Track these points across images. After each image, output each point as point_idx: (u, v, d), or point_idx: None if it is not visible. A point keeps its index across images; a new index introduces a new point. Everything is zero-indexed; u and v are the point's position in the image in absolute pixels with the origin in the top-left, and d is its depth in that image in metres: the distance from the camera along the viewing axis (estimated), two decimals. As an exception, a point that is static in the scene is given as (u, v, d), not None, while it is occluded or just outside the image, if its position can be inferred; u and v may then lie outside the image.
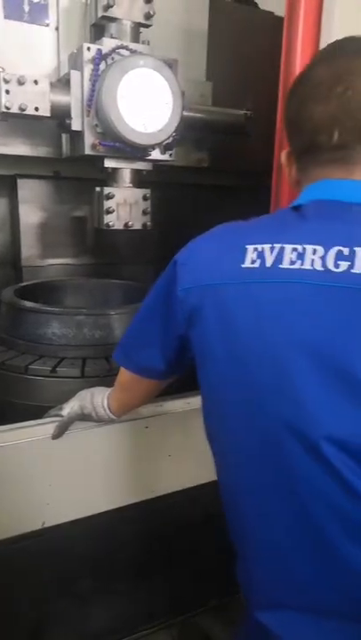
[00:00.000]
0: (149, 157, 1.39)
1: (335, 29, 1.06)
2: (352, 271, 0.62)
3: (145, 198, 1.46)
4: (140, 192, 1.45)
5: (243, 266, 0.68)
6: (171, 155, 1.44)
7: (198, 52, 1.66)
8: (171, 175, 1.64)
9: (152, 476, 1.17)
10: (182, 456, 1.17)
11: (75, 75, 1.27)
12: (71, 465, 1.08)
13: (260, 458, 0.70)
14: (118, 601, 1.29)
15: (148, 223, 1.48)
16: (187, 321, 0.75)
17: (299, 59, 1.09)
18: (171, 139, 1.36)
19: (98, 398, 1.02)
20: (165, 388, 1.00)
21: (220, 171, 1.78)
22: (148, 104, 1.29)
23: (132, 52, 1.30)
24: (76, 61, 1.31)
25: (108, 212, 1.41)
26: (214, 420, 0.78)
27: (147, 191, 1.46)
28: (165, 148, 1.40)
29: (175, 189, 1.74)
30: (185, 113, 1.40)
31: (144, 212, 1.47)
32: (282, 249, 0.67)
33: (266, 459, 0.69)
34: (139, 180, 1.46)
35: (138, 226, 1.47)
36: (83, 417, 1.03)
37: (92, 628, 1.30)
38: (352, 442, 0.62)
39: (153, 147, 1.36)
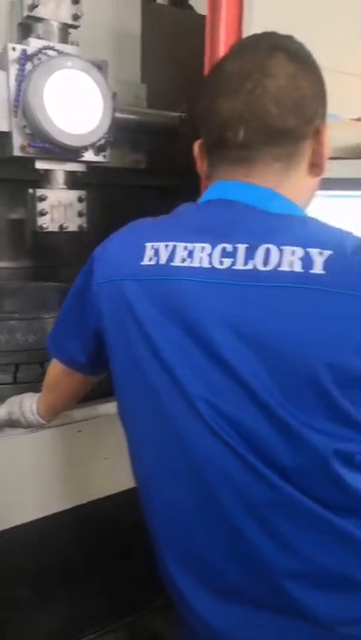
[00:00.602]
0: (82, 159, 1.38)
1: (254, 25, 1.09)
2: (234, 268, 0.65)
3: (80, 200, 1.45)
4: (74, 194, 1.44)
5: (142, 263, 0.71)
6: (105, 156, 1.43)
7: (132, 54, 1.67)
8: (110, 177, 1.63)
9: (88, 480, 1.16)
10: (119, 458, 1.16)
11: (0, 75, 1.25)
12: (2, 474, 1.05)
13: (156, 436, 0.74)
14: (60, 607, 1.28)
15: (84, 225, 1.46)
16: (97, 315, 0.78)
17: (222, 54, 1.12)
18: (103, 140, 1.36)
19: (27, 403, 1.01)
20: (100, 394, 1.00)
21: (162, 172, 1.79)
22: (76, 105, 1.28)
23: (60, 52, 1.28)
24: (1, 61, 1.28)
25: (42, 213, 1.39)
26: (121, 408, 0.82)
27: (82, 193, 1.44)
28: (98, 149, 1.40)
29: (115, 191, 1.73)
30: (118, 115, 1.40)
31: (79, 214, 1.45)
32: (175, 247, 0.70)
33: (160, 432, 0.72)
34: (73, 181, 1.44)
35: (73, 228, 1.45)
36: (11, 423, 1.02)
37: (34, 637, 1.28)
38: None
39: (85, 148, 1.35)
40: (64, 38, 1.34)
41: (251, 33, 1.11)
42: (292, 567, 0.67)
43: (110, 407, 1.14)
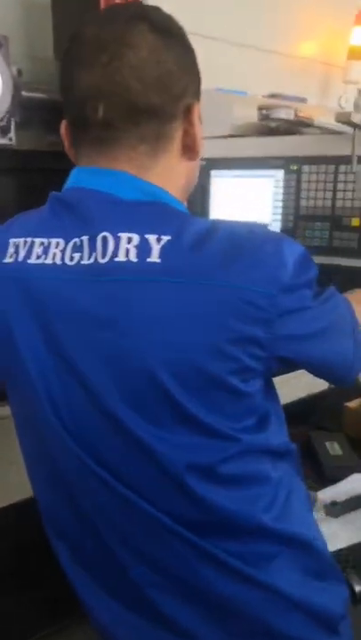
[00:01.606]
0: (-14, 141, 1.29)
1: None
2: (82, 263, 0.60)
3: (-12, 185, 1.36)
4: (-19, 179, 1.35)
5: (4, 261, 0.66)
6: (11, 139, 1.34)
7: (44, 29, 1.57)
8: (25, 160, 1.54)
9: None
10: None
11: None
12: None
13: (31, 442, 0.72)
14: None
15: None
16: None
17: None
18: (4, 121, 1.27)
19: None
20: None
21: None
22: (-29, 83, 1.19)
23: None
24: None
25: None
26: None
27: (-10, 178, 1.36)
28: (2, 131, 1.31)
29: (32, 175, 1.64)
30: (26, 93, 1.31)
31: (-11, 201, 1.37)
32: (32, 243, 0.64)
33: (32, 439, 0.70)
34: (-21, 166, 1.35)
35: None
36: None
37: None
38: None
39: (-14, 130, 1.26)
40: None
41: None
42: (155, 579, 0.65)
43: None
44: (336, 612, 0.71)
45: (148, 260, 0.57)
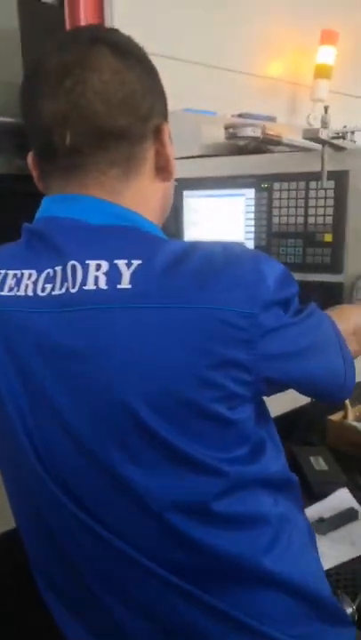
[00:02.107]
0: None
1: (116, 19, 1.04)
2: (53, 293, 0.57)
3: None
4: None
5: None
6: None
7: (13, 54, 1.57)
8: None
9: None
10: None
11: None
12: None
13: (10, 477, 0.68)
14: None
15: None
16: None
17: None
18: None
19: None
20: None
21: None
22: None
23: None
24: None
25: None
26: None
27: None
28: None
29: (1, 199, 1.62)
30: (-5, 118, 1.31)
31: None
32: (6, 275, 0.62)
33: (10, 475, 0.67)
34: None
35: None
36: None
37: None
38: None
39: None
40: None
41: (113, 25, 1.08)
42: (140, 625, 0.61)
43: None
44: None
45: (119, 286, 0.54)
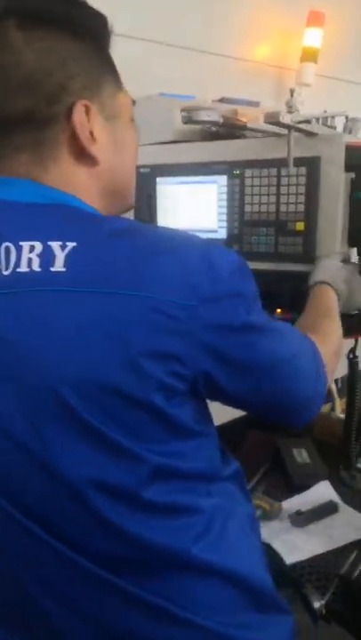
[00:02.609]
0: None
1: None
2: None
3: None
4: None
5: None
6: None
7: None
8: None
9: None
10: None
11: None
12: None
13: None
14: None
15: None
16: None
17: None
18: None
19: None
20: None
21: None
22: None
23: None
24: None
25: None
26: None
27: None
28: None
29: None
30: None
31: None
32: None
33: None
34: None
35: None
36: None
37: None
38: None
39: None
40: None
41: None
42: (81, 629, 0.59)
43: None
44: None
45: (52, 269, 0.52)
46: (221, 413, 1.40)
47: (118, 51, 1.14)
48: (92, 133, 0.60)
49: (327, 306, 0.83)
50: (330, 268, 0.89)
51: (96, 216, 0.60)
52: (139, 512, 0.57)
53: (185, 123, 0.81)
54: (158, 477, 0.58)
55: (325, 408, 1.56)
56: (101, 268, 0.53)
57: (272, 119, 0.74)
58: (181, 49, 1.24)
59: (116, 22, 1.08)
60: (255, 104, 1.25)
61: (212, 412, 1.48)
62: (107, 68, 0.63)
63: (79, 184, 0.61)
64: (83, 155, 0.61)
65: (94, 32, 0.62)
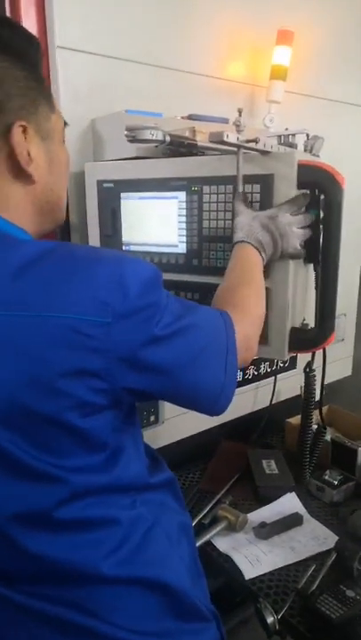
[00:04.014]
0: None
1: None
2: None
3: None
4: None
5: None
6: None
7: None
8: None
9: None
10: None
11: None
12: None
13: None
14: None
15: None
16: None
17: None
18: None
19: None
20: None
21: None
22: None
23: None
24: None
25: None
26: None
27: None
28: None
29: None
30: None
31: None
32: None
33: None
34: None
35: None
36: None
37: None
38: None
39: None
40: None
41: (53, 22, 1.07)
42: None
43: None
44: None
45: None
46: (195, 423, 1.41)
47: (88, 68, 1.17)
48: (29, 153, 0.62)
49: (243, 267, 0.80)
50: (242, 223, 0.83)
51: (16, 239, 0.61)
52: (46, 532, 0.58)
53: (130, 142, 0.83)
54: (77, 496, 0.58)
55: (297, 419, 1.56)
56: (16, 291, 0.54)
57: (216, 138, 0.75)
58: (151, 66, 1.25)
59: (87, 40, 1.11)
60: (224, 120, 1.27)
61: (186, 422, 1.47)
62: (41, 89, 0.65)
63: (13, 201, 0.63)
64: (19, 173, 0.62)
65: (29, 55, 0.63)
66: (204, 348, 0.63)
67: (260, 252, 0.82)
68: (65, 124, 0.72)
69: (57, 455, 0.56)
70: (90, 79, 1.16)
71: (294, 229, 0.83)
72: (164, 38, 1.25)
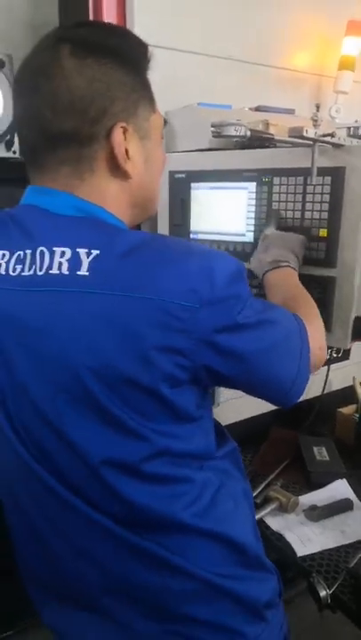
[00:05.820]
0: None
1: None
2: (23, 274, 0.65)
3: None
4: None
5: None
6: (15, 152, 1.42)
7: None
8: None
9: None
10: None
11: None
12: None
13: None
14: None
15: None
16: None
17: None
18: (8, 136, 1.35)
19: None
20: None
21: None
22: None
23: None
24: None
25: None
26: None
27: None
28: (7, 144, 1.39)
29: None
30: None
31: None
32: None
33: None
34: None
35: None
36: None
37: None
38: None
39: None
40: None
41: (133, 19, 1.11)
42: (103, 582, 0.71)
43: None
44: (261, 599, 0.75)
45: (78, 272, 0.61)
46: (246, 408, 1.46)
47: (162, 62, 1.22)
48: (127, 151, 0.68)
49: (296, 283, 0.87)
50: (274, 245, 0.92)
51: (118, 228, 0.68)
52: (133, 480, 0.66)
53: (215, 137, 0.87)
54: (157, 455, 0.66)
55: (349, 409, 1.58)
56: (120, 274, 0.61)
57: (296, 133, 0.78)
58: (221, 59, 1.29)
59: (159, 35, 1.16)
60: (291, 112, 1.29)
61: (239, 406, 1.54)
62: (144, 92, 0.71)
63: (110, 195, 0.70)
64: (117, 170, 0.69)
65: (137, 60, 0.70)
66: (280, 342, 0.69)
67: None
68: (165, 122, 0.78)
69: (147, 418, 0.64)
70: (163, 73, 1.21)
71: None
72: (234, 32, 1.28)
